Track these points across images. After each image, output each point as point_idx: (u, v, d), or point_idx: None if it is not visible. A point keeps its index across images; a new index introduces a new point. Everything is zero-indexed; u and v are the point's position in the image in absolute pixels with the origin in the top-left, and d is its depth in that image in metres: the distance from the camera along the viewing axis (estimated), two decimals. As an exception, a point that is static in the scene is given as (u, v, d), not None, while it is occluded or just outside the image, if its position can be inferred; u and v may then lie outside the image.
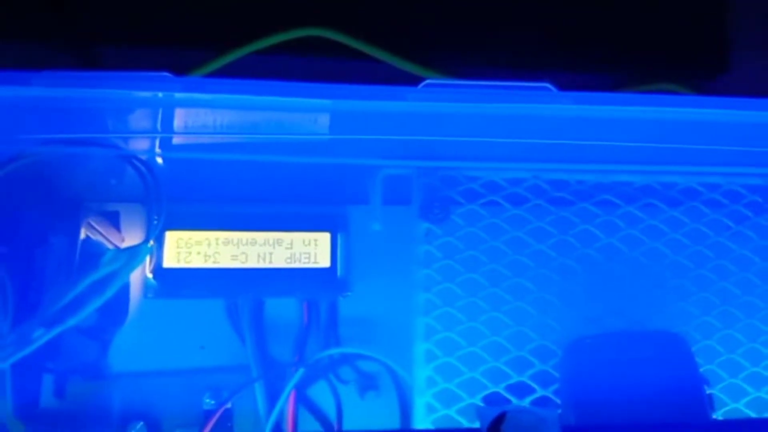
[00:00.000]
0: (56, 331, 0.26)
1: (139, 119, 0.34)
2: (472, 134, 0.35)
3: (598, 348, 0.34)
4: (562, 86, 0.34)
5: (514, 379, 0.34)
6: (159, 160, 0.36)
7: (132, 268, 0.29)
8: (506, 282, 0.36)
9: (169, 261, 0.38)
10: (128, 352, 0.37)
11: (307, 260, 0.39)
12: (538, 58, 0.41)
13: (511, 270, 0.36)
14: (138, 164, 0.31)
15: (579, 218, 0.37)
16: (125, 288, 0.37)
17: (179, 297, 0.38)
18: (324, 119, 0.34)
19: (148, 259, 0.37)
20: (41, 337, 0.26)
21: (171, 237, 0.38)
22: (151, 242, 0.31)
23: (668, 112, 0.35)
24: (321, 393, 0.37)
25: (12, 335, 0.26)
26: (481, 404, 0.31)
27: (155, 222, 0.31)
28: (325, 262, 0.38)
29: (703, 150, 0.37)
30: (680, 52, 0.46)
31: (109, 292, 0.28)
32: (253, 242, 0.38)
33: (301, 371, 0.36)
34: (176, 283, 0.38)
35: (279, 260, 0.38)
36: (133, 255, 0.28)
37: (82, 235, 0.35)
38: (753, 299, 0.37)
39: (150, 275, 0.37)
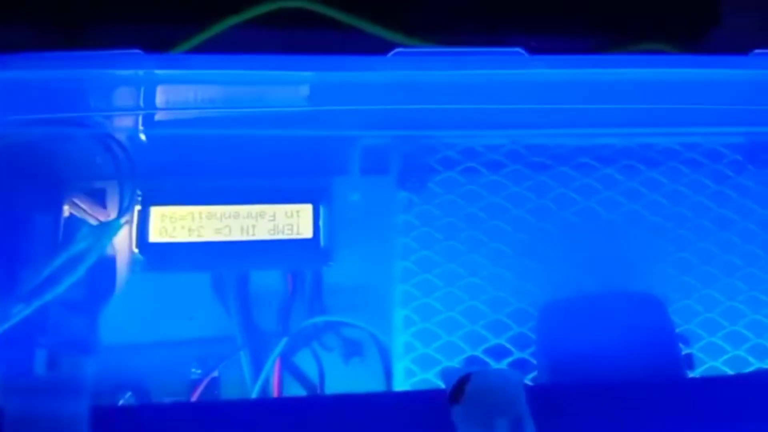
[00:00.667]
0: (35, 305, 0.27)
1: (119, 97, 0.35)
2: (447, 101, 0.35)
3: (575, 310, 0.34)
4: (545, 51, 0.34)
5: (492, 342, 0.35)
6: (142, 137, 0.37)
7: (105, 244, 0.30)
8: (484, 248, 0.36)
9: (155, 236, 0.38)
10: (117, 325, 0.37)
11: (290, 232, 0.39)
12: (515, 22, 0.41)
13: (488, 236, 0.36)
14: (111, 143, 0.32)
15: (557, 182, 0.37)
16: (112, 262, 0.38)
17: (165, 271, 0.38)
18: (303, 90, 0.35)
19: (134, 233, 0.38)
20: (20, 312, 0.27)
21: (156, 212, 0.39)
22: (124, 219, 0.31)
23: (645, 73, 0.35)
24: (306, 360, 0.38)
25: (-10, 310, 0.27)
26: (458, 366, 0.32)
27: (128, 201, 0.31)
28: (307, 233, 0.39)
29: (682, 109, 0.37)
30: (669, 11, 0.45)
31: (83, 267, 0.29)
32: (236, 215, 0.39)
33: (285, 340, 0.37)
34: (162, 257, 0.38)
35: (262, 232, 0.39)
36: (105, 231, 0.29)
37: (66, 213, 0.35)
38: (732, 258, 0.37)
39: (136, 250, 0.38)
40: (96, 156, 0.37)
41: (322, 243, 0.39)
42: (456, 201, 0.37)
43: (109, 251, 0.37)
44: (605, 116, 0.37)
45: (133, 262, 0.38)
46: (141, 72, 0.31)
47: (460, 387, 0.26)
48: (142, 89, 0.34)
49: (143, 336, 0.38)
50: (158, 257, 0.38)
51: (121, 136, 0.34)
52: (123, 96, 0.35)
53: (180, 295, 0.39)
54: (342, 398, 0.26)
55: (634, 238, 0.37)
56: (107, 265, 0.38)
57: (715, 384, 0.29)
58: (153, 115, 0.37)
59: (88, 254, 0.28)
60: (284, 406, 0.26)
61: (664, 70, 0.34)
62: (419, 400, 0.26)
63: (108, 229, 0.29)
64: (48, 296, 0.27)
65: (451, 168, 0.37)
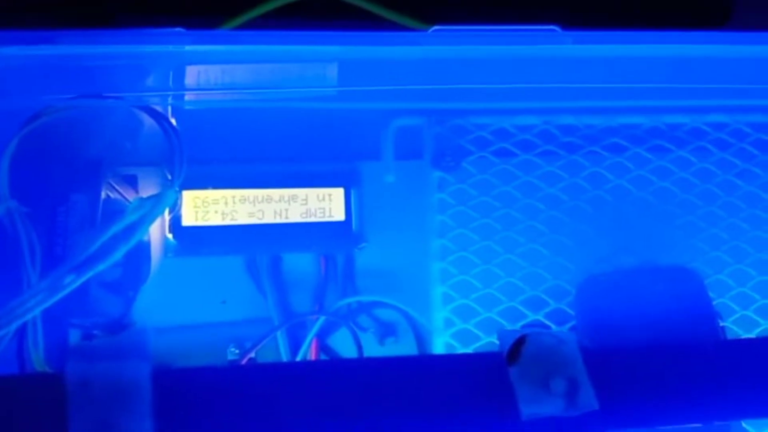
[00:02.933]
0: (86, 276, 0.27)
1: (155, 78, 0.35)
2: (481, 79, 0.36)
3: (611, 285, 0.34)
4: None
5: (530, 317, 0.35)
6: (173, 121, 0.37)
7: (158, 214, 0.30)
8: (519, 225, 0.36)
9: (188, 220, 0.39)
10: (151, 308, 0.37)
11: (322, 215, 0.39)
12: (544, 12, 0.42)
13: (523, 214, 0.37)
14: (156, 115, 0.32)
15: (588, 161, 0.38)
16: (146, 247, 0.38)
17: (199, 255, 0.39)
18: (333, 70, 0.35)
19: (167, 218, 0.38)
20: (72, 282, 0.27)
21: (188, 196, 0.39)
22: (178, 189, 0.31)
23: (673, 49, 0.35)
24: (341, 341, 0.38)
25: (43, 282, 0.27)
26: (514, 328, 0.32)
27: (178, 171, 0.31)
28: (339, 216, 0.39)
29: (708, 89, 0.38)
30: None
31: (136, 239, 0.29)
32: (269, 199, 0.39)
33: (321, 319, 0.37)
34: (195, 241, 0.39)
35: (295, 215, 0.39)
36: (158, 201, 0.29)
37: (103, 195, 0.36)
38: (762, 234, 0.37)
39: (170, 235, 0.38)
40: (129, 140, 0.37)
41: (354, 226, 0.39)
42: (490, 180, 0.37)
43: (144, 236, 0.38)
44: (634, 94, 0.38)
45: (166, 246, 0.38)
46: (176, 48, 0.32)
47: (516, 348, 0.26)
48: (174, 70, 0.35)
49: (178, 319, 0.38)
50: (191, 241, 0.38)
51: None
52: (159, 77, 0.35)
53: (214, 278, 0.39)
54: (398, 360, 0.26)
55: (665, 215, 0.37)
56: (142, 249, 0.38)
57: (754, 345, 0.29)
58: (184, 98, 0.37)
59: (140, 226, 0.28)
60: (341, 367, 0.26)
61: (691, 46, 0.34)
62: (476, 362, 0.26)
63: (162, 198, 0.29)
64: (100, 267, 0.27)
65: (484, 148, 0.37)
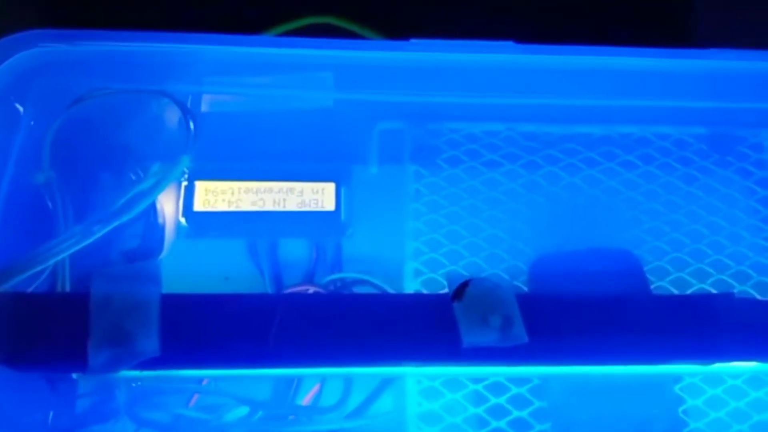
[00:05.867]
0: (113, 224, 0.33)
1: (181, 77, 0.41)
2: (453, 89, 0.42)
3: (560, 264, 0.40)
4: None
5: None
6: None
7: (173, 178, 0.36)
8: (483, 213, 0.42)
9: (199, 206, 0.44)
10: (164, 282, 0.43)
11: (315, 205, 0.45)
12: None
13: (486, 204, 0.42)
14: (182, 106, 0.38)
15: (546, 162, 0.43)
16: (161, 227, 0.44)
17: (207, 237, 0.44)
18: (329, 77, 0.41)
19: (181, 204, 0.44)
20: (101, 229, 0.32)
21: (200, 186, 0.44)
22: (188, 158, 0.37)
23: (624, 62, 0.41)
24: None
25: (76, 228, 0.32)
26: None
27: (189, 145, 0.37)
28: (330, 206, 0.45)
29: (655, 106, 0.44)
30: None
31: (154, 196, 0.34)
32: (270, 190, 0.45)
33: (310, 291, 0.43)
34: (204, 225, 0.44)
35: (291, 205, 0.45)
36: (173, 166, 0.35)
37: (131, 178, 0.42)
38: (699, 227, 0.42)
39: (182, 219, 0.44)
40: (157, 133, 0.43)
41: (342, 216, 0.45)
42: (459, 175, 0.43)
43: (160, 218, 0.44)
44: (587, 110, 0.44)
45: (179, 228, 0.44)
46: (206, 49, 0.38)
47: (461, 289, 0.31)
48: (194, 73, 0.41)
49: (185, 291, 0.43)
50: (201, 225, 0.44)
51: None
52: (179, 79, 0.42)
53: (219, 258, 0.44)
54: (362, 297, 0.31)
55: (612, 210, 0.43)
56: (158, 229, 0.44)
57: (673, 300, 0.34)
58: (200, 103, 0.43)
59: (156, 187, 0.34)
60: (314, 301, 0.31)
61: (635, 59, 0.40)
62: (427, 300, 0.31)
63: (174, 166, 0.35)
64: (124, 218, 0.33)
65: (455, 148, 0.43)
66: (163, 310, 0.29)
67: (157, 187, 0.34)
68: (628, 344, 0.31)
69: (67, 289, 0.35)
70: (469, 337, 0.30)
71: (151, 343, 0.28)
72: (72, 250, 0.32)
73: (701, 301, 0.34)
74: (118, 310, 0.28)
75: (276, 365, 0.30)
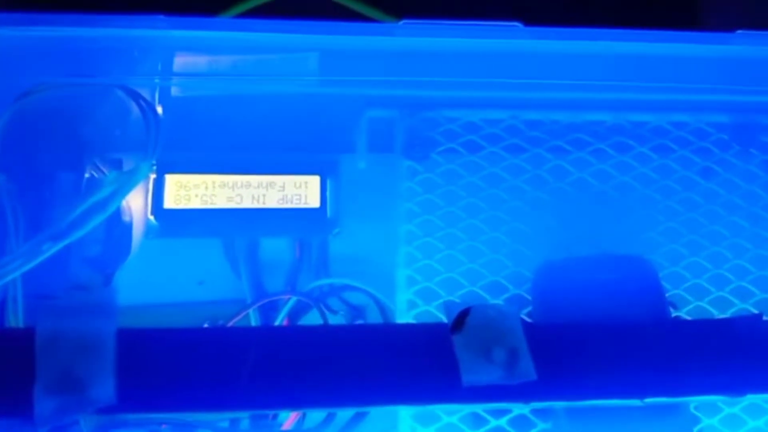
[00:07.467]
0: (63, 243, 0.29)
1: (139, 63, 0.37)
2: (450, 71, 0.38)
3: (568, 271, 0.36)
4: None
5: (490, 302, 0.36)
6: (159, 109, 0.39)
7: (132, 186, 0.32)
8: (482, 214, 0.38)
9: (169, 203, 0.40)
10: (130, 286, 0.39)
11: (298, 201, 0.41)
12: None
13: (487, 203, 0.38)
14: (137, 98, 0.34)
15: (552, 155, 0.39)
16: (128, 227, 0.40)
17: (179, 236, 0.40)
18: (313, 60, 0.37)
19: (150, 200, 0.40)
20: (50, 248, 0.28)
21: (170, 180, 0.40)
22: (151, 164, 0.33)
23: (638, 47, 0.37)
24: (312, 322, 0.40)
25: (23, 247, 0.28)
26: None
27: (152, 150, 0.33)
28: (315, 202, 0.41)
29: (672, 88, 0.39)
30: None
31: (111, 209, 0.30)
32: (248, 185, 0.41)
33: (293, 300, 0.39)
34: (176, 223, 0.40)
35: (272, 201, 0.41)
36: (133, 174, 0.31)
37: (87, 174, 0.37)
38: (718, 228, 0.39)
39: (151, 217, 0.40)
40: (117, 127, 0.39)
41: (328, 213, 0.41)
42: (457, 170, 0.39)
43: (125, 216, 0.40)
44: (599, 90, 0.40)
45: (148, 227, 0.40)
46: (170, 34, 0.34)
47: (461, 319, 0.27)
48: (162, 57, 0.37)
49: (156, 297, 0.39)
50: (172, 223, 0.40)
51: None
52: (143, 62, 0.37)
53: (192, 259, 0.40)
54: (352, 328, 0.28)
55: (625, 209, 0.39)
56: (124, 229, 0.40)
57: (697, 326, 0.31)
58: (169, 86, 0.39)
59: (113, 199, 0.30)
60: (293, 334, 0.28)
61: (653, 44, 0.36)
62: (423, 331, 0.28)
63: (136, 172, 0.31)
64: (76, 236, 0.29)
65: (452, 140, 0.39)
66: (119, 350, 0.25)
67: (115, 198, 0.30)
68: (649, 379, 0.28)
69: (20, 312, 0.31)
70: (470, 376, 0.26)
71: (105, 391, 0.24)
72: (19, 272, 0.28)
73: (726, 325, 0.31)
74: (67, 351, 0.25)
75: (250, 408, 0.26)
